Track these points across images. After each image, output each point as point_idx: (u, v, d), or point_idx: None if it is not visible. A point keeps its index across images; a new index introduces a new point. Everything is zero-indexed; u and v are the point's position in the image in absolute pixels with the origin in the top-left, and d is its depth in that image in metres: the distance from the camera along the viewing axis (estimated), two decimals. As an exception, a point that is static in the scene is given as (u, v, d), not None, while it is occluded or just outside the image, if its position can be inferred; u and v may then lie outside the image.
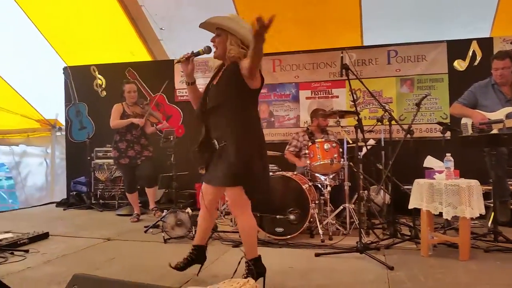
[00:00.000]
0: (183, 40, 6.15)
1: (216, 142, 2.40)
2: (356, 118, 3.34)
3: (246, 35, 2.37)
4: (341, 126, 3.98)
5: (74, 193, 6.37)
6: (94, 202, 6.07)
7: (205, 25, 2.49)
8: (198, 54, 2.49)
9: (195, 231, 3.58)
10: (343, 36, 5.62)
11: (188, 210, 4.00)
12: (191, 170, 5.66)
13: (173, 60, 6.31)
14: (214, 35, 2.48)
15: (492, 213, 3.72)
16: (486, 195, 3.61)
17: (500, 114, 3.74)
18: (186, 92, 6.22)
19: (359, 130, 3.31)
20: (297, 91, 5.78)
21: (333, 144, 4.03)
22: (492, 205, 3.72)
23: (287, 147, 4.91)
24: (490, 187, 3.81)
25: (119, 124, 4.87)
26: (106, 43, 6.23)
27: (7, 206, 7.27)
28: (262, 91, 5.70)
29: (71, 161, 6.74)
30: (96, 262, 3.20)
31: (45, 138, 7.06)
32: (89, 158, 6.09)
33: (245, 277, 2.32)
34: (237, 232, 3.95)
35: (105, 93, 6.55)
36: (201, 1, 5.55)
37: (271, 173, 4.11)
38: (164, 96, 6.12)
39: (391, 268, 2.86)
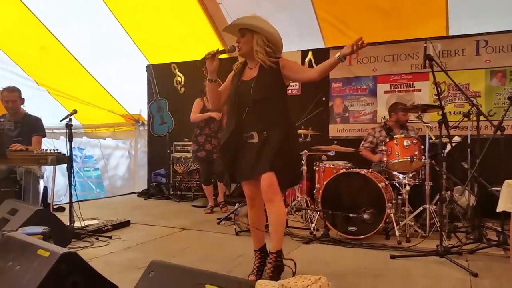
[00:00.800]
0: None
1: (255, 134, 2.48)
2: (441, 112, 3.09)
3: (272, 32, 2.51)
4: (423, 122, 3.72)
5: (154, 184, 6.75)
6: (172, 193, 6.38)
7: (228, 29, 2.64)
8: (223, 52, 2.53)
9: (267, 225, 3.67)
10: (426, 25, 5.25)
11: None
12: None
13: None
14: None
15: None
16: None
17: None
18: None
19: (443, 126, 3.07)
20: (375, 84, 5.52)
21: (414, 141, 3.78)
22: None
23: (362, 143, 4.73)
24: None
25: (198, 117, 5.05)
26: (186, 42, 6.49)
27: (95, 195, 7.91)
28: (337, 85, 5.64)
29: (152, 154, 7.15)
30: (172, 250, 3.36)
31: (129, 132, 7.57)
32: (168, 151, 6.41)
33: (272, 271, 2.38)
34: (308, 229, 3.92)
35: (184, 90, 6.84)
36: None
37: (344, 170, 4.00)
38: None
39: (475, 275, 2.62)
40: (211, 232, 4.06)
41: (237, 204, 4.42)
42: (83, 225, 3.80)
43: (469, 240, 3.47)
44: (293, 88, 6.03)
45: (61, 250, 1.62)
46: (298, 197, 4.48)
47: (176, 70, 6.86)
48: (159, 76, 6.97)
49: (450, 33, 5.25)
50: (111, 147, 7.73)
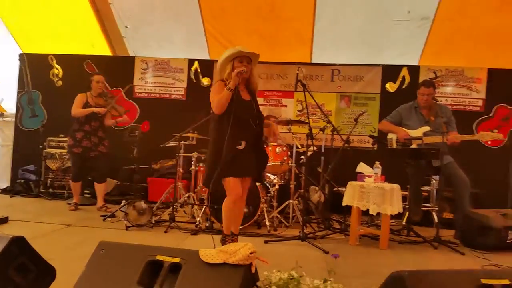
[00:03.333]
0: (147, 40, 6.48)
1: (243, 143, 3.10)
2: (306, 126, 3.96)
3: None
4: (292, 133, 4.59)
5: (22, 181, 6.34)
6: (43, 190, 6.12)
7: (248, 53, 3.14)
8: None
9: (155, 220, 4.09)
10: (295, 51, 6.27)
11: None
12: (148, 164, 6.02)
13: (133, 57, 6.57)
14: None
15: (407, 213, 4.56)
16: (403, 198, 4.41)
17: (419, 132, 4.54)
18: (144, 89, 6.52)
19: (309, 137, 3.93)
20: (252, 97, 6.33)
21: (284, 148, 4.63)
22: (407, 206, 4.55)
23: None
24: (407, 192, 4.63)
25: (80, 112, 4.97)
26: (67, 34, 6.31)
27: None
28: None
29: (19, 149, 6.68)
30: (69, 243, 3.48)
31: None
32: (41, 146, 6.12)
33: None
34: (193, 222, 4.41)
35: (61, 83, 6.61)
36: (169, 7, 5.93)
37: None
38: (122, 90, 6.35)
39: (327, 252, 3.50)
40: (99, 228, 4.21)
41: (123, 201, 4.65)
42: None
43: (320, 228, 4.46)
44: (179, 93, 6.45)
45: (10, 235, 1.82)
46: (183, 194, 4.94)
47: (54, 62, 6.59)
48: (34, 67, 6.59)
49: (313, 61, 6.37)
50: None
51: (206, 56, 6.55)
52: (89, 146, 5.05)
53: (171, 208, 4.46)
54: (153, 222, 4.23)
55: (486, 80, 5.99)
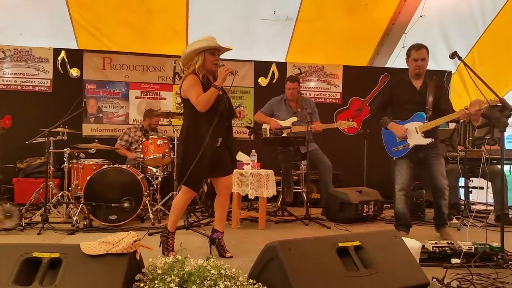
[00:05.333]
0: (3, 27, 5.82)
1: (220, 140, 3.04)
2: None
3: None
4: (173, 125, 4.64)
5: None
6: None
7: (224, 48, 3.02)
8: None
9: (25, 223, 3.78)
10: (171, 44, 6.28)
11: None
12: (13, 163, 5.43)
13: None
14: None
15: (281, 196, 5.01)
16: (277, 182, 4.83)
17: (288, 122, 5.02)
18: (2, 81, 5.82)
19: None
20: (127, 90, 6.16)
21: (165, 141, 4.66)
22: (281, 189, 5.00)
23: (118, 141, 5.29)
24: (280, 177, 5.08)
25: None
26: None
27: None
28: (91, 86, 5.92)
29: None
30: None
31: None
32: None
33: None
34: (69, 222, 4.16)
35: None
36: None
37: (105, 166, 4.46)
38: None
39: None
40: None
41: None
42: None
43: (204, 216, 4.63)
44: (44, 85, 5.94)
45: None
46: (56, 194, 4.60)
47: None
48: None
49: (189, 54, 6.45)
50: None
51: (74, 46, 6.15)
52: None
53: (43, 209, 4.13)
54: (23, 224, 3.88)
55: (342, 76, 6.85)
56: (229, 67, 2.93)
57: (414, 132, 3.63)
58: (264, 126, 5.18)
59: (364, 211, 4.62)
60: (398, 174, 3.75)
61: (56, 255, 1.87)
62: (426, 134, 3.61)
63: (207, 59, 2.95)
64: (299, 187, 5.40)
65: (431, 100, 3.64)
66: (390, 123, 3.75)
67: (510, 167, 4.73)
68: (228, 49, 3.05)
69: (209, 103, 2.88)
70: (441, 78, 6.71)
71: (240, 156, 4.39)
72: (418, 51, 3.66)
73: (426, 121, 3.61)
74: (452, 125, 5.56)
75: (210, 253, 3.16)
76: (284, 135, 4.90)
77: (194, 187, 3.05)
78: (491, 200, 4.65)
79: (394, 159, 3.79)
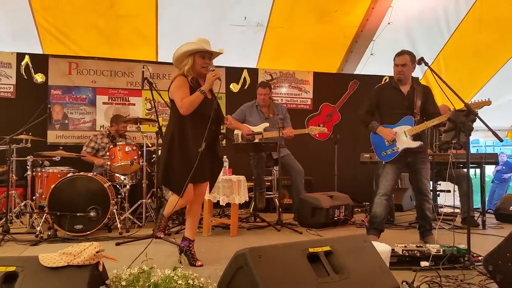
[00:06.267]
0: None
1: (204, 144, 2.85)
2: (156, 125, 3.98)
3: None
4: (142, 132, 4.53)
5: None
6: None
7: (213, 51, 3.02)
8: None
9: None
10: (139, 49, 6.17)
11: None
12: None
13: None
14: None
15: (253, 202, 4.97)
16: (249, 189, 4.80)
17: (260, 128, 5.00)
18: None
19: (159, 136, 3.95)
20: (94, 95, 5.98)
21: (134, 147, 4.54)
22: (253, 195, 4.96)
23: (84, 148, 5.12)
24: (252, 183, 5.05)
25: None
26: None
27: None
28: (56, 92, 5.71)
29: None
30: None
31: None
32: None
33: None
34: (33, 233, 3.97)
35: None
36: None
37: (71, 174, 4.30)
38: None
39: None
40: None
41: None
42: None
43: (174, 224, 4.53)
44: (7, 90, 5.70)
45: None
46: (19, 203, 4.40)
47: None
48: None
49: (159, 59, 6.36)
50: None
51: (39, 50, 5.94)
52: None
53: (4, 219, 3.93)
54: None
55: (313, 82, 6.91)
56: (217, 72, 2.90)
57: (403, 136, 3.69)
58: (236, 132, 5.15)
59: (335, 215, 4.64)
60: (383, 179, 3.79)
61: (12, 268, 1.76)
62: (415, 137, 3.67)
63: (196, 62, 2.93)
64: (271, 193, 5.38)
65: (419, 104, 3.71)
66: (379, 127, 3.79)
67: (475, 171, 4.86)
68: (219, 53, 3.04)
69: (192, 107, 2.83)
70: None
71: (211, 162, 4.32)
72: (399, 57, 3.74)
73: (415, 125, 3.67)
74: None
75: (180, 262, 3.07)
76: (256, 140, 4.88)
77: (176, 190, 2.97)
78: (458, 203, 4.78)
79: (383, 163, 3.83)
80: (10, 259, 1.78)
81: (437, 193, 5.11)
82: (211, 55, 3.01)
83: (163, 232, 3.37)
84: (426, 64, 3.29)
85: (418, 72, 7.11)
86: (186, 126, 2.89)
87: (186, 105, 2.83)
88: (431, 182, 5.05)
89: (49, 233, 3.87)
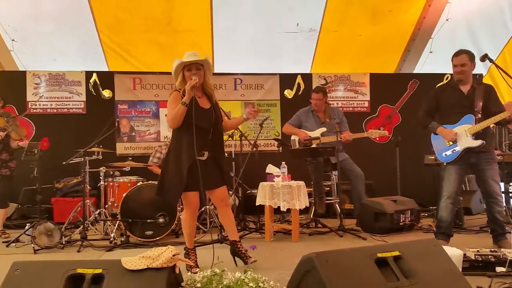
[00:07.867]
0: (37, 53, 6.09)
1: (206, 154, 3.04)
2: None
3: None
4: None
5: None
6: None
7: (191, 62, 2.99)
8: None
9: (65, 241, 3.96)
10: (197, 62, 6.40)
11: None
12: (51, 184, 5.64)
13: (24, 71, 6.13)
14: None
15: (313, 207, 4.97)
16: (309, 194, 4.80)
17: (317, 133, 5.00)
18: (39, 105, 6.09)
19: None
20: (157, 108, 6.32)
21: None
22: (313, 201, 4.96)
23: (151, 158, 5.40)
24: (311, 188, 5.04)
25: None
26: None
27: None
28: (122, 106, 6.09)
29: None
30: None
31: None
32: None
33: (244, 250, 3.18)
34: (107, 239, 4.26)
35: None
36: (59, 18, 5.67)
37: (140, 183, 4.56)
38: (14, 108, 5.88)
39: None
40: (4, 254, 3.84)
41: (27, 224, 4.32)
42: None
43: (237, 230, 4.63)
44: (78, 107, 6.17)
45: None
46: (94, 211, 4.74)
47: None
48: None
49: (215, 71, 6.56)
50: None
51: (105, 68, 6.38)
52: None
53: (81, 227, 4.26)
54: (63, 242, 4.01)
55: (369, 84, 6.78)
56: (192, 81, 2.89)
57: (464, 135, 3.56)
58: (292, 137, 5.18)
59: (401, 220, 4.51)
60: (446, 181, 3.67)
61: (99, 270, 1.92)
62: (477, 137, 3.53)
63: (186, 75, 3.00)
64: (331, 198, 5.34)
65: (481, 104, 3.56)
66: (439, 128, 3.68)
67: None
68: (201, 60, 3.02)
69: (176, 119, 2.91)
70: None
71: (270, 168, 4.39)
72: (457, 57, 3.63)
73: (476, 124, 3.53)
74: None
75: (236, 265, 3.18)
76: (314, 146, 4.88)
77: (169, 199, 3.12)
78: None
79: (444, 164, 3.71)
80: (96, 262, 1.95)
81: (510, 194, 4.80)
82: (200, 65, 3.04)
83: (196, 266, 3.11)
84: (491, 60, 3.15)
85: (482, 68, 6.74)
86: (182, 138, 2.97)
87: (169, 119, 3.00)
88: (502, 184, 4.78)
89: (122, 239, 4.14)
